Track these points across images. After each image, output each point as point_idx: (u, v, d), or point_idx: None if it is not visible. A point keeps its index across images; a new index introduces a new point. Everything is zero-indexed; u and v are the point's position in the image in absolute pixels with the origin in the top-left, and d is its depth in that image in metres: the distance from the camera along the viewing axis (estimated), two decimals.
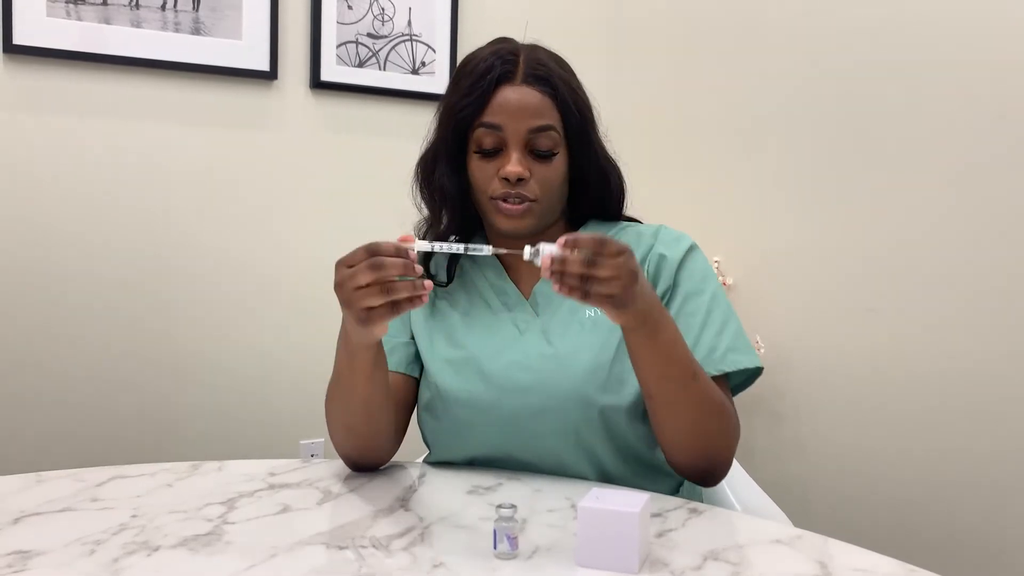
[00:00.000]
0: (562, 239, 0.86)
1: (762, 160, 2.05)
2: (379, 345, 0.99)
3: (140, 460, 1.14)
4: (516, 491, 1.02)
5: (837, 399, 1.87)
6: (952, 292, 1.66)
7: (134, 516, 0.92)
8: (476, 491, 1.03)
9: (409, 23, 2.19)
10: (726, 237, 2.10)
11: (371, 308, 0.86)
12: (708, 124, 2.21)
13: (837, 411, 1.87)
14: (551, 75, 1.08)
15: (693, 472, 1.05)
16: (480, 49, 1.12)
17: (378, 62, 2.16)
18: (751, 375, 1.10)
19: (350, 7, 2.12)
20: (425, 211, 1.18)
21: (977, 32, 1.62)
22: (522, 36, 1.15)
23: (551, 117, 1.07)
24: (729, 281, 2.06)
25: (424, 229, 1.18)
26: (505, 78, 1.06)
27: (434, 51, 2.22)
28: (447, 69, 2.23)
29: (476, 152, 1.08)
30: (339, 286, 0.89)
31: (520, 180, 1.06)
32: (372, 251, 0.86)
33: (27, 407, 1.88)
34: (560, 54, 1.14)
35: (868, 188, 1.80)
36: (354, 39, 2.13)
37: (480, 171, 1.08)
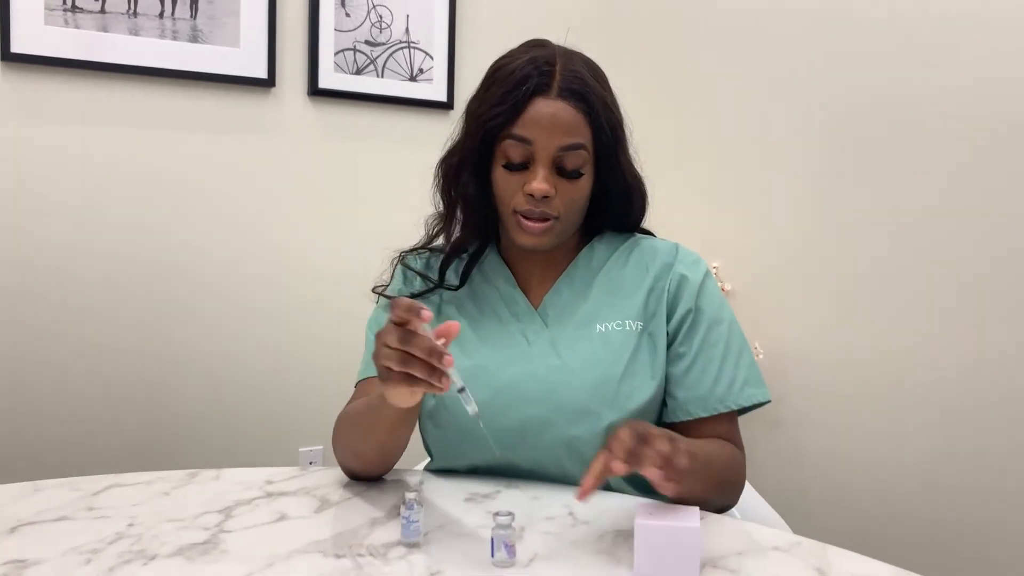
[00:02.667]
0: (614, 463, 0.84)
1: (761, 165, 2.06)
2: (407, 411, 0.96)
3: (137, 468, 1.14)
4: (514, 499, 1.02)
5: (836, 406, 1.86)
6: (953, 299, 1.66)
7: (131, 525, 0.92)
8: (474, 499, 1.03)
9: (407, 30, 2.20)
10: (725, 242, 2.10)
11: (389, 368, 0.85)
12: (707, 128, 2.21)
13: (836, 418, 1.87)
14: (587, 90, 1.05)
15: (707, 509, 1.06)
16: (515, 53, 1.08)
17: (376, 69, 2.17)
18: (757, 404, 1.11)
19: (348, 15, 2.12)
20: (440, 207, 1.16)
21: (982, 36, 1.62)
22: (562, 40, 1.11)
23: (582, 135, 1.04)
24: (728, 287, 2.06)
25: (438, 226, 1.17)
26: (540, 90, 1.03)
27: (432, 58, 2.23)
28: (445, 76, 2.24)
29: (502, 164, 1.06)
30: (377, 335, 0.87)
31: (545, 197, 1.04)
32: (402, 311, 0.83)
33: (24, 416, 1.87)
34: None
35: (868, 194, 1.81)
36: (352, 46, 2.13)
37: (504, 182, 1.06)
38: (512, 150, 1.04)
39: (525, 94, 1.03)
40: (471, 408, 0.88)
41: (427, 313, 0.83)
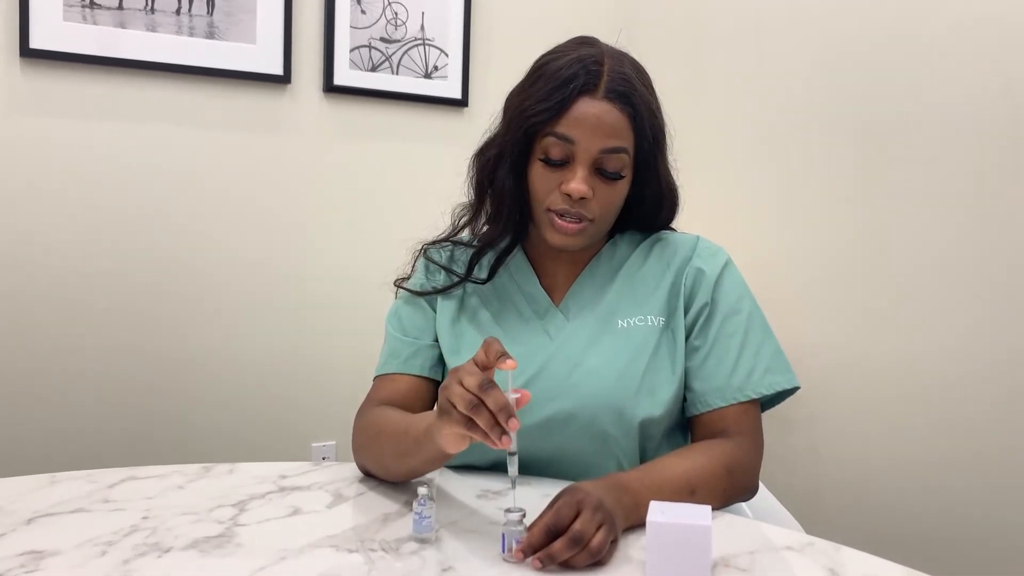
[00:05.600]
0: (521, 550, 0.82)
1: (772, 162, 2.05)
2: (446, 456, 0.94)
3: (152, 462, 1.15)
4: (525, 496, 1.02)
5: (850, 405, 1.86)
6: (967, 296, 1.65)
7: (146, 518, 0.93)
8: (486, 495, 1.03)
9: (422, 27, 2.20)
10: (740, 243, 2.09)
11: (453, 405, 0.83)
12: (719, 125, 2.20)
13: (850, 417, 1.86)
14: (633, 93, 1.03)
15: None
16: (562, 50, 1.07)
17: (391, 66, 2.17)
18: (788, 391, 1.10)
19: (363, 11, 2.13)
20: (472, 198, 1.15)
21: (991, 37, 1.61)
22: (614, 40, 1.10)
23: (625, 139, 1.03)
24: None
25: (467, 216, 1.16)
26: (586, 90, 1.01)
27: (447, 55, 2.23)
28: (459, 73, 2.24)
29: (541, 159, 1.04)
30: (454, 370, 0.85)
31: (582, 199, 1.03)
32: (494, 354, 0.83)
33: (41, 409, 1.89)
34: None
35: (881, 191, 1.79)
36: (367, 43, 2.14)
37: (542, 180, 1.05)
38: (553, 148, 1.03)
39: (571, 92, 1.01)
40: (512, 471, 0.86)
41: (512, 363, 0.82)
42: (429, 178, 2.18)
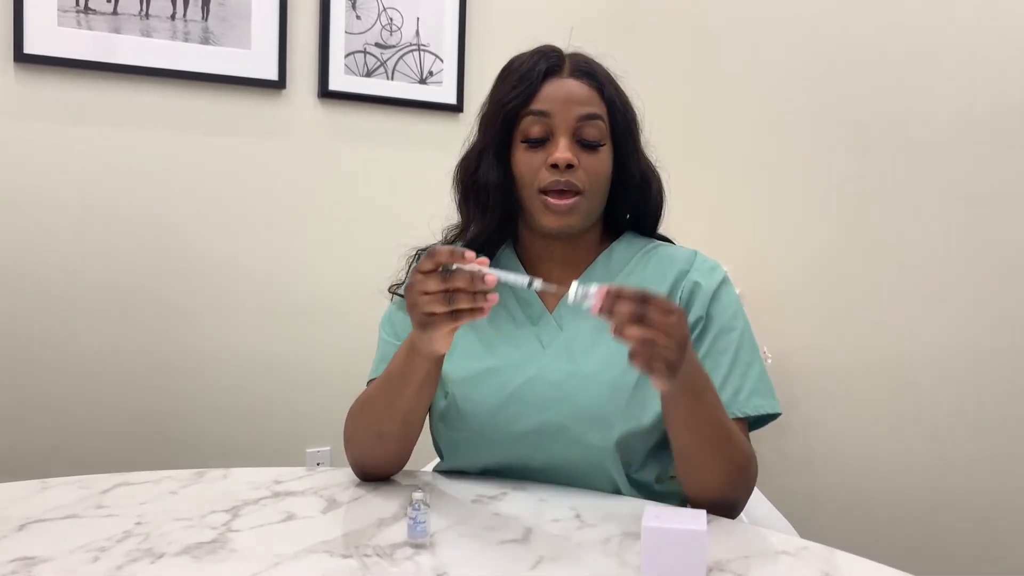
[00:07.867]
0: (603, 289, 0.85)
1: (773, 167, 2.05)
2: (437, 360, 0.99)
3: (146, 466, 1.15)
4: (521, 501, 1.02)
5: (844, 410, 1.86)
6: (963, 302, 1.66)
7: (138, 523, 0.93)
8: (480, 500, 1.03)
9: (417, 33, 2.20)
10: (735, 246, 2.10)
11: (432, 313, 0.87)
12: (718, 131, 2.21)
13: (844, 422, 1.86)
14: (596, 71, 1.10)
15: (715, 512, 1.05)
16: (523, 53, 1.13)
17: (386, 72, 2.17)
18: (769, 417, 1.10)
19: (358, 17, 2.13)
20: (458, 211, 1.16)
21: (988, 37, 1.61)
22: (567, 39, 1.16)
23: (598, 107, 1.08)
24: (737, 291, 2.04)
25: (455, 234, 1.16)
26: (552, 72, 1.08)
27: (442, 61, 2.23)
28: (455, 79, 2.24)
29: (523, 142, 1.07)
30: (409, 288, 0.90)
31: (569, 167, 1.05)
32: (445, 256, 0.87)
33: (33, 414, 1.89)
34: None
35: (879, 196, 1.80)
36: (362, 49, 2.14)
37: (527, 162, 1.07)
38: (532, 127, 1.06)
39: (539, 75, 1.07)
40: (537, 282, 0.88)
41: (470, 254, 0.86)
42: (424, 183, 2.18)
